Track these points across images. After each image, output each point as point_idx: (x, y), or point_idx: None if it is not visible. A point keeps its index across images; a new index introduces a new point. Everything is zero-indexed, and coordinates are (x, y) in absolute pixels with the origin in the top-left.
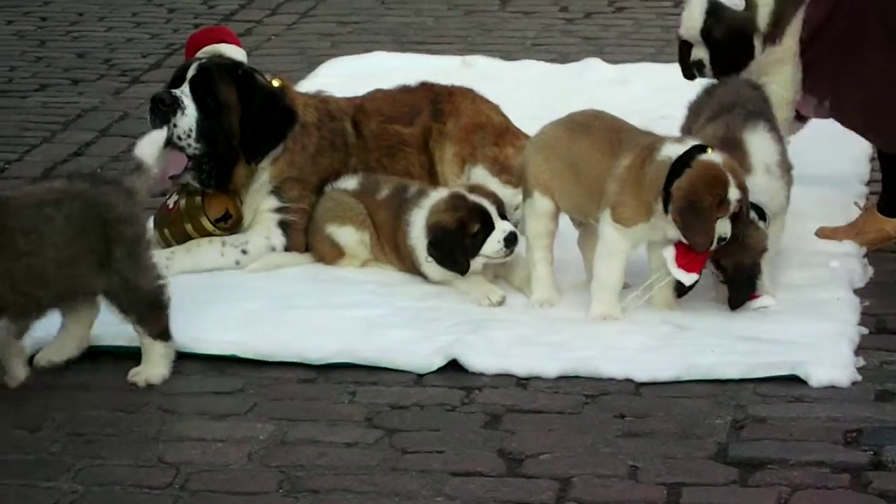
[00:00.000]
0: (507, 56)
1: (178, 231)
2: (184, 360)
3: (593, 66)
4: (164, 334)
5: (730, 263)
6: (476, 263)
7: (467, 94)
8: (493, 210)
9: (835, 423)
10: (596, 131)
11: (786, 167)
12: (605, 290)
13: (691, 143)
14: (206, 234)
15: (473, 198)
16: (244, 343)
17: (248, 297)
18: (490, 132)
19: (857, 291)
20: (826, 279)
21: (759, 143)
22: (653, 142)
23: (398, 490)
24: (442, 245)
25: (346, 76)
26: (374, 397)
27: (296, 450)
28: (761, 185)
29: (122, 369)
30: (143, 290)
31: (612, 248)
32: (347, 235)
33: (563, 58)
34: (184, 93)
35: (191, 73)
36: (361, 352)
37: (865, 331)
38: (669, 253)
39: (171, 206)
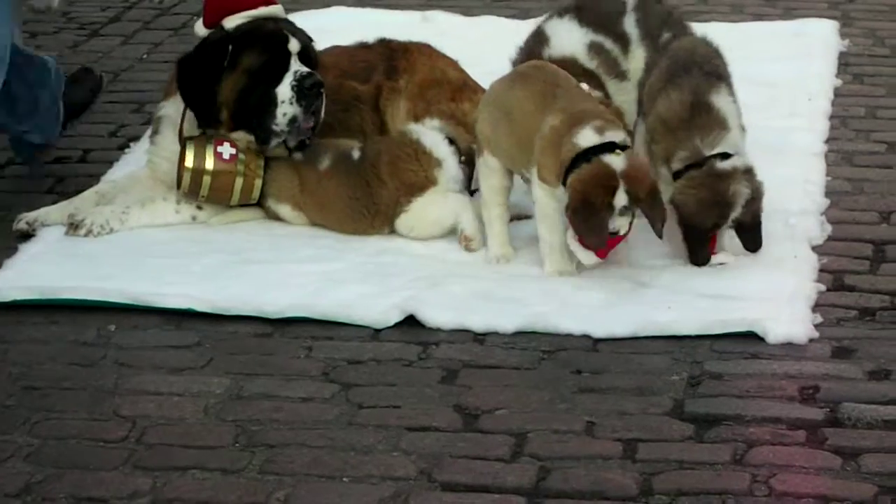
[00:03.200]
0: (467, 12)
1: (222, 183)
2: (140, 314)
3: None
4: None
5: (749, 216)
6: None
7: (424, 49)
8: None
9: (791, 380)
10: (533, 82)
11: (743, 126)
12: (552, 250)
13: (610, 136)
14: (248, 198)
15: None
16: (200, 297)
17: (204, 251)
18: (446, 88)
19: (814, 248)
20: (784, 236)
21: (726, 104)
22: (581, 113)
23: (354, 444)
24: None
25: (306, 31)
26: (331, 352)
27: (252, 404)
28: (738, 137)
29: (78, 323)
30: None
31: (544, 209)
32: (285, 211)
33: (524, 14)
34: (302, 66)
35: (295, 48)
36: (318, 306)
37: (823, 288)
38: (572, 232)
39: (227, 157)
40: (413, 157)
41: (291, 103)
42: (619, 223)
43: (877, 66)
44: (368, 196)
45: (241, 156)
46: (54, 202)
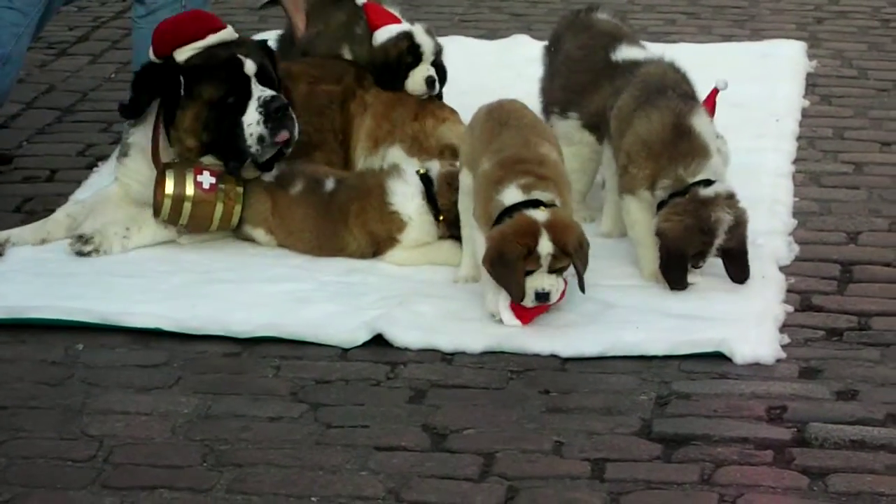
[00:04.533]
0: (436, 32)
1: (202, 211)
2: (108, 333)
3: (521, 43)
4: None
5: (735, 243)
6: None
7: None
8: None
9: (759, 400)
10: (490, 121)
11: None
12: (489, 287)
13: (535, 195)
14: (227, 225)
15: None
16: (169, 316)
17: (173, 270)
18: (409, 107)
19: (782, 269)
20: (752, 257)
21: (705, 127)
22: (509, 163)
23: (322, 464)
24: None
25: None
26: (299, 371)
27: (220, 424)
28: (719, 164)
29: (45, 342)
30: None
31: (482, 247)
32: (259, 235)
33: (492, 34)
34: (265, 90)
35: (252, 69)
36: (286, 326)
37: (790, 308)
38: (504, 299)
39: (207, 186)
40: (379, 211)
41: (258, 124)
42: (545, 281)
43: (844, 87)
44: (335, 235)
45: (222, 185)
46: (23, 221)
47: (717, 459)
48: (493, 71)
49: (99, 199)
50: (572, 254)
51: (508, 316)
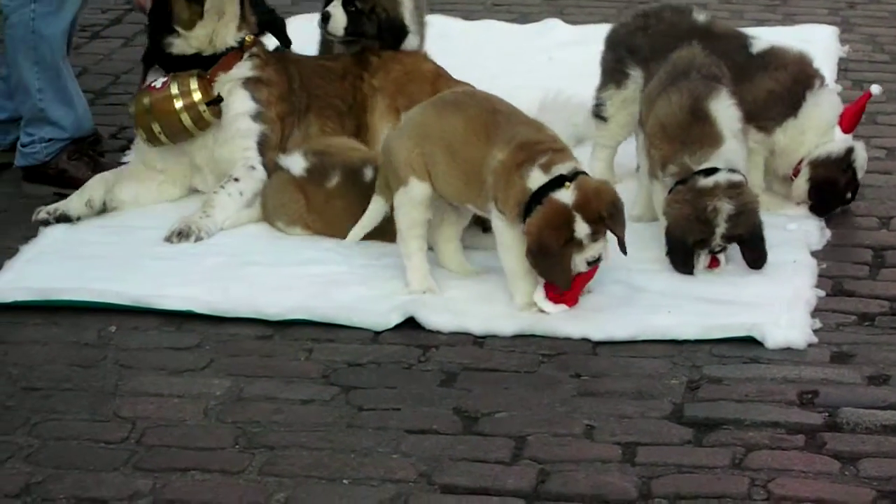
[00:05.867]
0: (468, 16)
1: (172, 124)
2: (141, 315)
3: (553, 27)
4: None
5: (743, 230)
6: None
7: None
8: None
9: (790, 385)
10: (469, 109)
11: (744, 131)
12: (518, 279)
13: (557, 170)
14: (203, 124)
15: None
16: (202, 299)
17: (205, 253)
18: (423, 84)
19: (814, 254)
20: (783, 241)
21: (724, 111)
22: (526, 146)
23: (354, 447)
24: None
25: (307, 35)
26: (331, 354)
27: (252, 406)
28: (732, 151)
29: (78, 324)
30: None
31: (506, 240)
32: (297, 232)
33: (524, 18)
34: None
35: None
36: (319, 309)
37: (822, 293)
38: (539, 289)
39: (158, 85)
40: None
41: None
42: (592, 251)
43: (876, 72)
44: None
45: (173, 85)
46: (52, 202)
47: (748, 444)
48: (525, 55)
49: (122, 169)
50: (607, 218)
51: (550, 306)
